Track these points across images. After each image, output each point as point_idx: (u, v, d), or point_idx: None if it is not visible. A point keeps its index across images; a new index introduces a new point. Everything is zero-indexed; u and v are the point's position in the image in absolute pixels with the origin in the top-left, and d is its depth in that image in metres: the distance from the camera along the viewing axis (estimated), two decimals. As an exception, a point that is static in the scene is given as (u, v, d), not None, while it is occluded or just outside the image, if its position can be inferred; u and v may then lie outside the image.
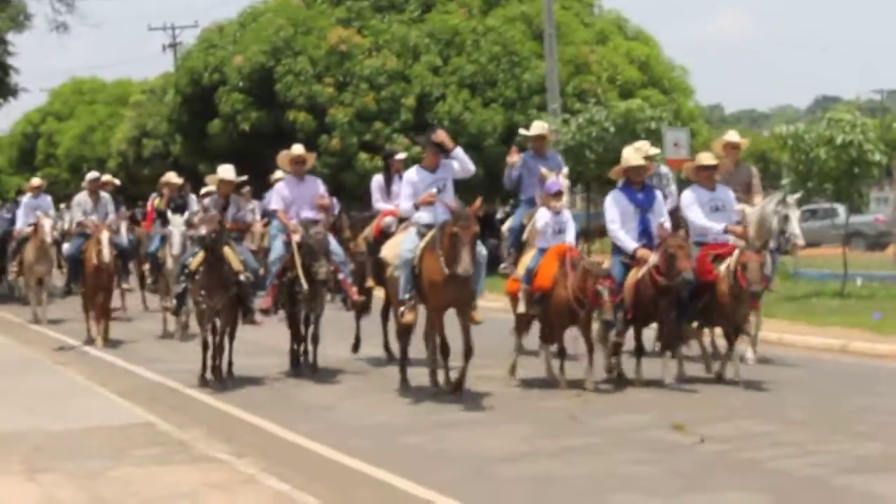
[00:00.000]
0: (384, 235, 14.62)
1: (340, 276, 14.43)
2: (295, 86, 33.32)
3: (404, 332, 13.16)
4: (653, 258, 12.70)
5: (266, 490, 8.82)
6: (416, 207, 12.82)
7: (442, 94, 33.01)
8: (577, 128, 28.36)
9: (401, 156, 16.40)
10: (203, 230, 13.96)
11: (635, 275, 12.85)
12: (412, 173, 13.13)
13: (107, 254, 17.38)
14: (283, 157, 15.09)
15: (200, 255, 13.88)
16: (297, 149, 15.18)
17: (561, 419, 11.35)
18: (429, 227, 12.62)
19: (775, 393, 12.50)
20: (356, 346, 15.77)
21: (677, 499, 8.45)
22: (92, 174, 20.02)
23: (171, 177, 20.75)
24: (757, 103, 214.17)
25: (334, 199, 18.42)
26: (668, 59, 37.63)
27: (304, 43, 33.98)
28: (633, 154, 13.67)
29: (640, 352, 13.00)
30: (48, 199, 23.19)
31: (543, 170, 14.46)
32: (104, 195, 19.54)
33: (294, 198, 14.78)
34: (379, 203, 15.70)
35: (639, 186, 13.40)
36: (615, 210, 13.28)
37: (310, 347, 14.87)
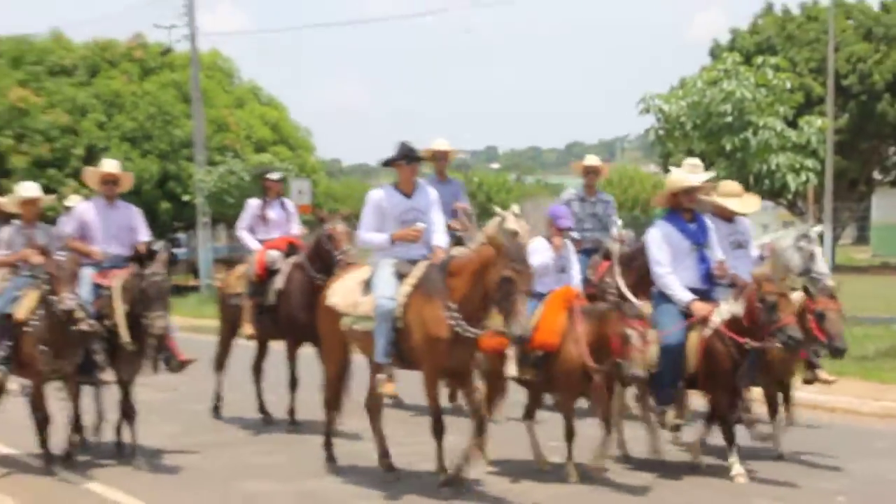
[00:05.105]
0: (269, 272, 12.22)
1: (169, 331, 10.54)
2: (-22, 138, 33.74)
3: (377, 406, 9.99)
4: (725, 309, 9.33)
5: None
6: (392, 241, 9.47)
7: (106, 146, 34.04)
8: (219, 177, 30.45)
9: (275, 175, 13.25)
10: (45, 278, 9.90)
11: (699, 335, 9.46)
12: (379, 195, 9.58)
13: None
14: (90, 173, 11.39)
15: (31, 298, 10.09)
16: (109, 164, 11.34)
17: (204, 420, 12.31)
18: (412, 263, 9.37)
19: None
20: (216, 408, 13.05)
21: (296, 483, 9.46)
22: None
23: None
24: (369, 158, 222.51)
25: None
26: (295, 121, 40.05)
27: (-13, 100, 34.41)
28: (687, 173, 9.93)
29: (731, 441, 9.58)
30: None
31: (459, 204, 12.47)
32: None
33: (100, 227, 10.99)
34: (243, 232, 12.77)
35: (689, 216, 9.87)
36: (664, 248, 9.73)
37: (79, 424, 10.96)
